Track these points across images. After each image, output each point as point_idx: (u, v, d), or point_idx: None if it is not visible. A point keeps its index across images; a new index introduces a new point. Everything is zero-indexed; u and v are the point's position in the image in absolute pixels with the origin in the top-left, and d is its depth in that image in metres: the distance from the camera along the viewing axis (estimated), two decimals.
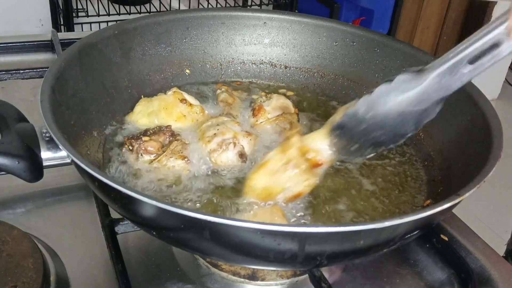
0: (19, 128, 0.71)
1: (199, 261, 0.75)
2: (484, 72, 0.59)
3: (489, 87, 3.31)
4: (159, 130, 0.80)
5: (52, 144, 0.70)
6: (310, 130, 0.89)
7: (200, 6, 2.27)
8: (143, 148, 0.77)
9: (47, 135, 0.70)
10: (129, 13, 2.14)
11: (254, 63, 1.01)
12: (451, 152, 0.79)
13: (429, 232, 0.81)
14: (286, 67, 1.01)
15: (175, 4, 2.31)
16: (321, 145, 0.70)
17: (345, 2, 2.72)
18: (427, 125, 0.67)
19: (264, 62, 1.02)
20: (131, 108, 0.86)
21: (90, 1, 2.13)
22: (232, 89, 0.97)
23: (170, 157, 0.76)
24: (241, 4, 2.48)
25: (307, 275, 0.73)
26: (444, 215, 0.76)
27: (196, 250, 0.65)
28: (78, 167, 0.60)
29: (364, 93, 0.95)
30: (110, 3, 2.16)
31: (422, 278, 0.76)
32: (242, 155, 0.79)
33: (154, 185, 0.74)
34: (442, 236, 0.80)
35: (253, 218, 0.70)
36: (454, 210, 0.69)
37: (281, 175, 0.70)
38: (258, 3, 2.39)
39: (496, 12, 3.08)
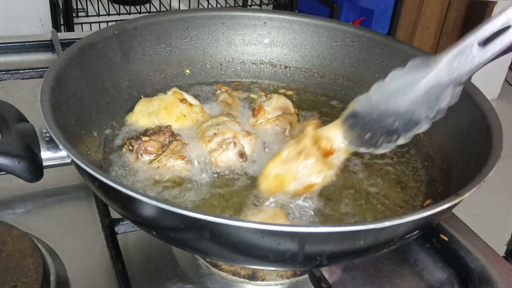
0: (19, 128, 0.71)
1: (199, 261, 0.75)
2: (495, 55, 0.59)
3: (489, 87, 3.31)
4: (159, 130, 0.80)
5: (52, 144, 0.70)
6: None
7: (200, 6, 2.27)
8: (143, 148, 0.77)
9: (47, 135, 0.70)
10: (129, 13, 2.14)
11: (254, 63, 1.01)
12: (451, 152, 0.79)
13: (429, 232, 0.81)
14: (286, 67, 1.01)
15: (175, 4, 2.31)
16: (334, 134, 0.70)
17: (345, 2, 2.72)
18: None
19: (264, 62, 1.02)
20: (131, 108, 0.86)
21: (90, 1, 2.13)
22: (232, 89, 0.97)
23: (170, 157, 0.76)
24: (241, 4, 2.48)
25: (307, 275, 0.73)
26: (444, 215, 0.76)
27: (196, 250, 0.65)
28: (78, 167, 0.60)
29: (364, 93, 0.96)
30: (110, 3, 2.16)
31: (422, 278, 0.76)
32: (242, 155, 0.79)
33: (154, 185, 0.74)
34: (442, 236, 0.80)
35: (254, 218, 0.70)
36: (454, 210, 0.69)
37: (293, 164, 0.70)
38: (258, 3, 2.39)
39: (496, 12, 3.08)
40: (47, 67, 0.74)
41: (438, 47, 3.34)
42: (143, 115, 0.85)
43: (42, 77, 0.71)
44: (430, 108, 0.64)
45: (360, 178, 0.79)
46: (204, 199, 0.72)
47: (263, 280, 0.73)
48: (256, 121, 0.87)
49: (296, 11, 2.34)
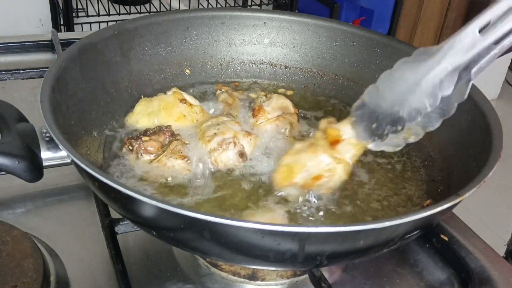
0: (19, 128, 0.71)
1: (199, 261, 0.75)
2: (496, 43, 0.60)
3: (489, 87, 3.31)
4: (159, 130, 0.80)
5: (52, 144, 0.70)
6: (310, 130, 0.89)
7: (200, 6, 2.27)
8: (143, 148, 0.77)
9: (47, 135, 0.70)
10: (129, 13, 2.14)
11: (254, 63, 1.02)
12: (451, 152, 0.79)
13: (429, 232, 0.81)
14: (286, 67, 1.01)
15: (175, 4, 2.31)
16: (343, 126, 0.71)
17: (345, 2, 2.71)
18: None
19: (264, 62, 1.02)
20: (131, 108, 0.86)
21: (90, 1, 2.13)
22: (232, 89, 0.97)
23: (170, 157, 0.76)
24: (241, 4, 2.48)
25: (307, 275, 0.73)
26: (444, 215, 0.76)
27: (196, 250, 0.65)
28: (78, 167, 0.60)
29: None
30: (110, 3, 2.16)
31: (422, 278, 0.76)
32: (242, 155, 0.79)
33: (154, 185, 0.74)
34: (442, 236, 0.80)
35: (254, 218, 0.70)
36: (454, 210, 0.69)
37: (303, 155, 0.72)
38: (258, 3, 2.39)
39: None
40: (47, 67, 0.74)
41: None
42: (143, 115, 0.85)
43: (42, 77, 0.71)
44: (433, 95, 0.64)
45: (360, 178, 0.79)
46: (204, 199, 0.72)
47: (263, 280, 0.73)
48: (256, 121, 0.87)
49: (296, 11, 2.34)
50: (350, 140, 0.71)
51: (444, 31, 3.28)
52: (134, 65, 0.91)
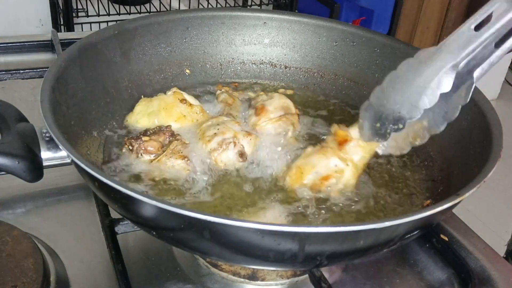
0: (19, 128, 0.71)
1: (199, 261, 0.75)
2: (489, 39, 0.62)
3: (489, 87, 3.31)
4: (159, 130, 0.80)
5: (52, 144, 0.70)
6: (310, 130, 0.89)
7: (200, 6, 2.26)
8: (143, 148, 0.77)
9: (47, 135, 0.70)
10: (129, 13, 2.14)
11: (254, 63, 1.01)
12: (451, 152, 0.79)
13: (429, 232, 0.81)
14: (286, 67, 1.01)
15: (175, 4, 2.31)
16: (352, 128, 0.74)
17: (345, 2, 2.71)
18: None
19: (264, 62, 1.02)
20: (131, 108, 0.86)
21: (90, 1, 2.13)
22: (232, 90, 0.97)
23: (170, 157, 0.76)
24: (241, 4, 2.48)
25: (307, 275, 0.73)
26: (444, 215, 0.76)
27: (196, 250, 0.65)
28: (78, 167, 0.60)
29: (364, 93, 0.96)
30: (110, 3, 2.16)
31: (422, 278, 0.76)
32: (242, 155, 0.79)
33: (154, 185, 0.74)
34: (442, 236, 0.80)
35: (254, 218, 0.70)
36: (454, 210, 0.69)
37: (312, 157, 0.74)
38: (258, 3, 2.39)
39: None
40: (47, 67, 0.74)
41: None
42: (143, 115, 0.85)
43: (42, 77, 0.71)
44: (432, 93, 0.65)
45: (360, 178, 0.79)
46: (204, 199, 0.72)
47: (263, 280, 0.73)
48: (259, 120, 0.86)
49: (296, 11, 2.34)
50: (358, 141, 0.73)
51: (444, 31, 3.28)
52: (134, 65, 0.91)
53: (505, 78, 3.53)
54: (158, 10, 2.25)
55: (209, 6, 2.30)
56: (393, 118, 0.68)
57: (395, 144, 0.72)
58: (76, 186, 0.86)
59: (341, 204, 0.73)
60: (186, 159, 0.77)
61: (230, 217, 0.57)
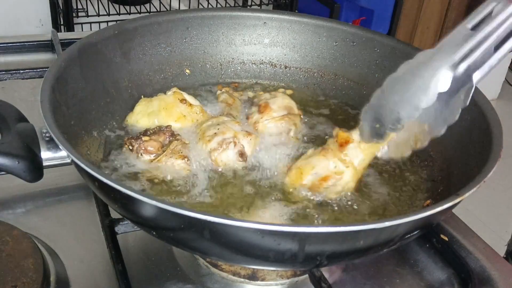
0: (19, 128, 0.71)
1: (199, 261, 0.75)
2: (486, 39, 0.62)
3: (489, 87, 3.31)
4: (159, 130, 0.80)
5: (52, 144, 0.70)
6: (310, 130, 0.89)
7: (200, 6, 2.26)
8: (143, 148, 0.77)
9: (47, 135, 0.70)
10: (129, 13, 2.14)
11: (254, 63, 1.01)
12: (451, 152, 0.79)
13: (429, 232, 0.81)
14: (286, 67, 1.01)
15: (175, 4, 2.31)
16: (353, 131, 0.74)
17: (345, 2, 2.71)
18: None
19: (264, 62, 1.02)
20: (131, 108, 0.86)
21: (90, 1, 2.13)
22: (233, 90, 0.97)
23: (170, 157, 0.76)
24: (241, 4, 2.48)
25: (307, 275, 0.73)
26: (444, 215, 0.76)
27: (196, 250, 0.65)
28: (78, 167, 0.60)
29: (364, 93, 0.96)
30: (110, 3, 2.16)
31: (422, 278, 0.76)
32: (242, 155, 0.79)
33: (154, 185, 0.74)
34: (442, 236, 0.80)
35: (254, 217, 0.70)
36: (454, 210, 0.69)
37: (313, 158, 0.74)
38: (258, 3, 2.39)
39: None
40: (47, 67, 0.74)
41: None
42: (143, 115, 0.85)
43: (42, 77, 0.71)
44: (429, 92, 0.65)
45: (359, 179, 0.79)
46: (204, 199, 0.72)
47: (263, 280, 0.73)
48: (261, 117, 0.86)
49: (296, 11, 2.34)
50: (359, 144, 0.73)
51: (444, 31, 3.28)
52: (134, 65, 0.91)
53: (505, 78, 3.53)
54: (158, 10, 2.25)
55: (209, 6, 2.30)
56: (392, 118, 0.69)
57: (396, 149, 0.73)
58: (76, 186, 0.86)
59: (341, 205, 0.73)
60: (186, 159, 0.77)
61: (230, 217, 0.57)
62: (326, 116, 0.93)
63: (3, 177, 0.72)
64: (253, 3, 2.39)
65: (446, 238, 0.80)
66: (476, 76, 0.63)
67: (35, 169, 0.69)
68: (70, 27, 2.05)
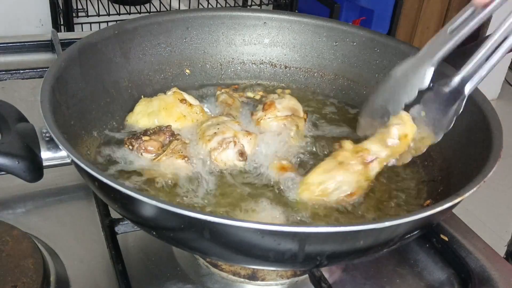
0: (19, 128, 0.71)
1: (199, 261, 0.75)
2: (462, 40, 0.72)
3: (489, 87, 3.31)
4: (159, 130, 0.80)
5: (52, 144, 0.70)
6: (310, 130, 0.89)
7: (200, 6, 2.26)
8: (143, 148, 0.77)
9: (47, 135, 0.70)
10: (129, 13, 2.14)
11: (254, 63, 1.01)
12: (451, 152, 0.79)
13: (429, 232, 0.81)
14: (286, 67, 1.01)
15: (175, 4, 2.31)
16: (372, 145, 0.75)
17: (345, 2, 2.71)
18: None
19: (264, 62, 1.02)
20: (131, 108, 0.86)
21: (90, 1, 2.13)
22: (232, 91, 0.97)
23: (170, 157, 0.76)
24: (241, 4, 2.48)
25: (307, 275, 0.73)
26: (444, 215, 0.76)
27: (196, 250, 0.65)
28: (78, 167, 0.60)
29: (364, 93, 0.96)
30: (110, 3, 2.16)
31: (422, 278, 0.76)
32: (242, 154, 0.79)
33: (154, 184, 0.74)
34: (442, 236, 0.80)
35: (254, 217, 0.70)
36: (454, 210, 0.69)
37: (336, 172, 0.73)
38: (258, 3, 2.39)
39: (495, 12, 3.08)
40: (47, 67, 0.74)
41: None
42: (143, 115, 0.85)
43: (42, 77, 0.71)
44: (411, 89, 0.74)
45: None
46: (204, 199, 0.72)
47: (263, 280, 0.73)
48: (265, 115, 0.86)
49: (296, 11, 2.34)
50: (379, 159, 0.74)
51: None
52: (134, 65, 0.91)
53: (505, 78, 3.53)
54: (158, 10, 2.25)
55: (209, 6, 2.30)
56: (381, 114, 0.77)
57: (398, 157, 0.77)
58: (76, 186, 0.86)
59: (341, 205, 0.73)
60: (186, 158, 0.77)
61: (230, 217, 0.57)
62: (326, 116, 0.93)
63: (3, 177, 0.72)
64: (253, 3, 2.39)
65: (446, 238, 0.80)
66: (468, 87, 0.70)
67: (35, 169, 0.69)
68: (70, 27, 2.05)
